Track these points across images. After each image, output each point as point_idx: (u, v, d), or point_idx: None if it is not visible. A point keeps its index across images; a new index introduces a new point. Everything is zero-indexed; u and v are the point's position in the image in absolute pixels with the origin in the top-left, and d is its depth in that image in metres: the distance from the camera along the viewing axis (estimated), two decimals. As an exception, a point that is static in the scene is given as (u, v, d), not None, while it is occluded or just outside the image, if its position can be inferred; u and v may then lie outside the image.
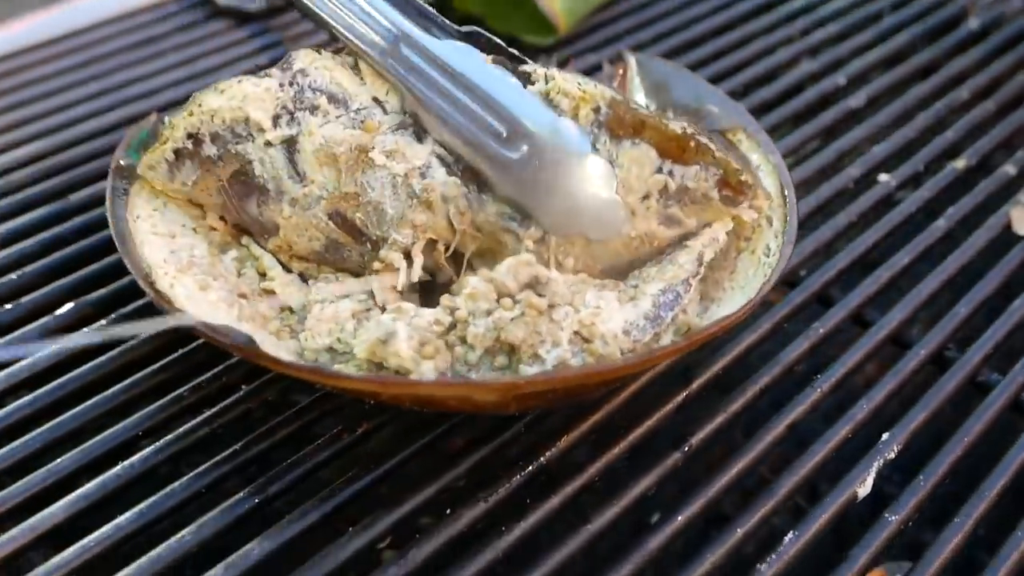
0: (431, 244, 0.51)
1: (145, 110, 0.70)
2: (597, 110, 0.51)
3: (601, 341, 0.46)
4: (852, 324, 0.58)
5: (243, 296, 0.50)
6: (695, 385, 0.53)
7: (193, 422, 0.50)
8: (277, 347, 0.48)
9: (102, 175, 0.61)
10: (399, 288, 0.50)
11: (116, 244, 0.49)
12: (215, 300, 0.49)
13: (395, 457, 0.49)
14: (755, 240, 0.53)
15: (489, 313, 0.46)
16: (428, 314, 0.47)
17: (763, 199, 0.53)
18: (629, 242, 0.51)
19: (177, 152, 0.51)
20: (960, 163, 0.69)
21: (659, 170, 0.51)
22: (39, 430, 0.50)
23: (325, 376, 0.46)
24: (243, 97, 0.51)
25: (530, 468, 0.48)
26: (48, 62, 0.77)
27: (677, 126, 0.51)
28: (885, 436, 0.51)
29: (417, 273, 0.50)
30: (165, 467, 0.49)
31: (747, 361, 0.55)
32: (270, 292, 0.51)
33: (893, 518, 0.47)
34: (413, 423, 0.50)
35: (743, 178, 0.51)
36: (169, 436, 0.49)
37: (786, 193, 0.54)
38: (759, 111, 0.73)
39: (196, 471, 0.48)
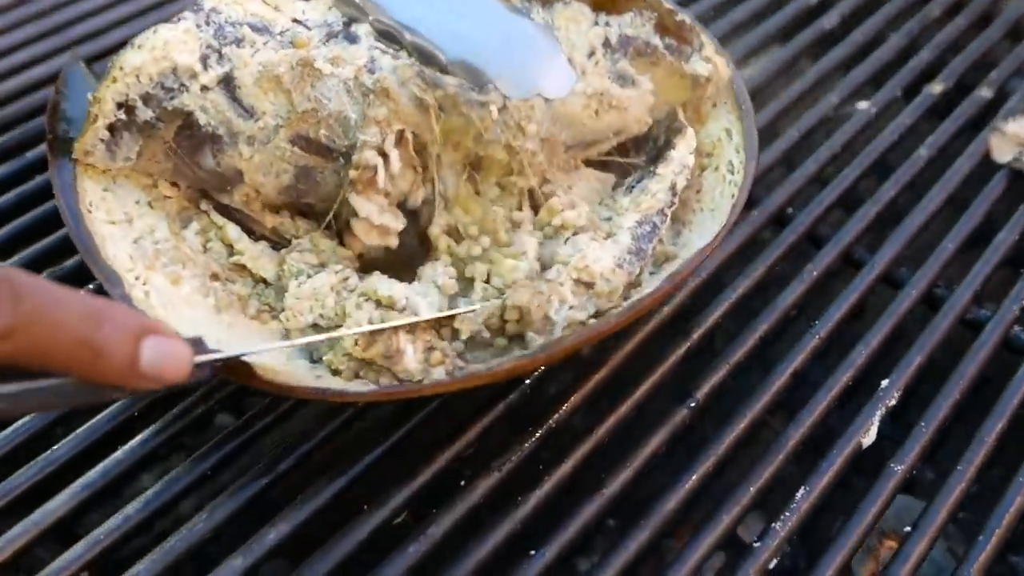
0: (400, 138, 0.48)
1: (93, 52, 0.66)
2: None
3: (602, 280, 0.46)
4: (844, 264, 0.58)
5: (215, 277, 0.48)
6: (695, 336, 0.53)
7: (187, 402, 0.49)
8: (261, 337, 0.47)
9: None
10: (383, 187, 0.48)
11: (77, 247, 0.46)
12: (189, 293, 0.47)
13: (401, 428, 0.48)
14: (717, 156, 0.53)
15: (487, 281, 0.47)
16: (423, 311, 0.46)
17: (712, 51, 0.52)
18: (588, 103, 0.50)
19: (111, 128, 0.47)
20: (937, 87, 0.69)
21: (595, 24, 0.51)
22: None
23: (352, 397, 0.44)
24: (164, 45, 0.47)
25: (539, 433, 0.48)
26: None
27: None
28: (884, 383, 0.51)
29: (396, 166, 0.48)
30: (164, 449, 0.48)
31: (744, 308, 0.55)
32: (240, 267, 0.49)
33: (898, 468, 0.48)
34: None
35: (678, 18, 0.52)
36: (167, 417, 0.48)
37: (741, 104, 0.54)
38: (733, 33, 0.72)
39: (196, 453, 0.47)
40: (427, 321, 0.45)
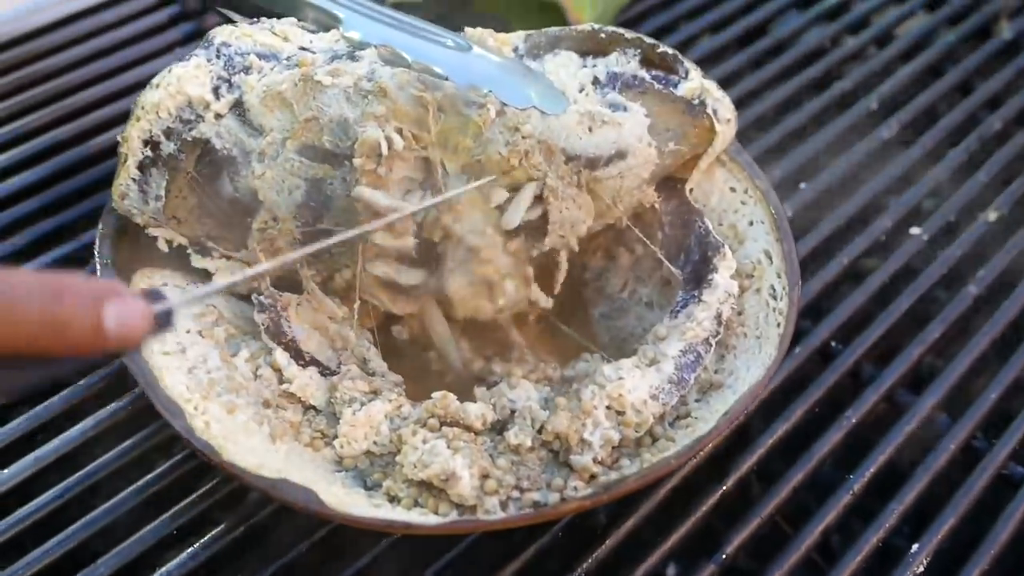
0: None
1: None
2: (516, 48, 0.56)
3: (633, 411, 0.48)
4: (885, 406, 0.58)
5: (267, 404, 0.50)
6: (730, 483, 0.53)
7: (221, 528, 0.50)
8: (315, 465, 0.48)
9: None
10: (391, 171, 0.50)
11: (137, 380, 0.48)
12: (245, 421, 0.48)
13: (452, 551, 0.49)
14: (758, 277, 0.54)
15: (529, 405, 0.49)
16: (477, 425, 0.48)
17: (699, 76, 0.55)
18: (581, 120, 0.52)
19: (141, 166, 0.52)
20: (991, 214, 0.68)
21: (583, 67, 0.55)
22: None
23: (416, 529, 0.45)
24: (177, 81, 0.52)
25: (570, 580, 0.49)
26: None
27: (586, 26, 0.55)
28: (914, 547, 0.51)
29: (399, 143, 0.50)
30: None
31: (781, 454, 0.55)
32: (290, 395, 0.51)
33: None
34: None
35: (660, 51, 0.55)
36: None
37: (779, 225, 0.55)
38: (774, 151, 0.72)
39: None
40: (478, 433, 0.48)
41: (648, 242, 0.55)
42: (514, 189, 0.51)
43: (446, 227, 0.51)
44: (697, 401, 0.51)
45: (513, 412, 0.49)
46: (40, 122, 0.70)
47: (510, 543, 0.50)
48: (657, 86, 0.54)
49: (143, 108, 0.52)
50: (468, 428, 0.48)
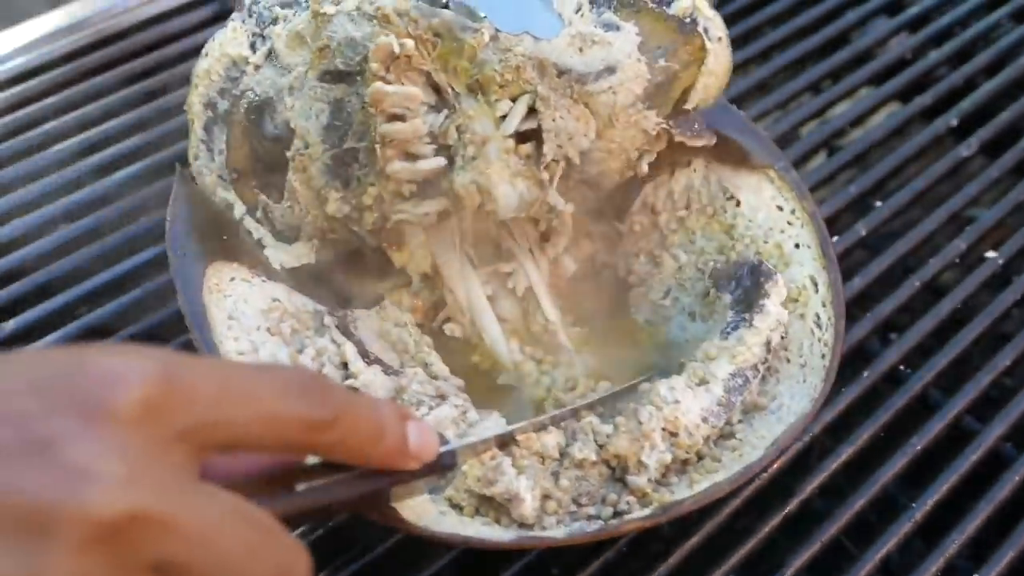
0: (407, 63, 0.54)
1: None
2: None
3: (686, 433, 0.50)
4: (952, 434, 0.59)
5: None
6: (794, 503, 0.55)
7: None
8: None
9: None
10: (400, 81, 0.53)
11: None
12: None
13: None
14: (803, 303, 0.56)
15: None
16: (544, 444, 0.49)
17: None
18: (572, 42, 0.55)
19: (205, 127, 0.58)
20: (1071, 240, 0.68)
21: None
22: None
23: (486, 544, 0.47)
24: (220, 46, 0.58)
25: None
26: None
27: None
28: (975, 577, 0.52)
29: (411, 45, 0.53)
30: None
31: (845, 476, 0.56)
32: (354, 390, 0.52)
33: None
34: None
35: None
36: None
37: (826, 252, 0.56)
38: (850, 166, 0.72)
39: None
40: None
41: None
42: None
43: (460, 127, 0.54)
44: (740, 422, 0.52)
45: (578, 431, 0.51)
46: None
47: (577, 555, 0.52)
48: (651, 4, 0.56)
49: (198, 76, 0.58)
50: (540, 455, 0.49)
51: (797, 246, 0.57)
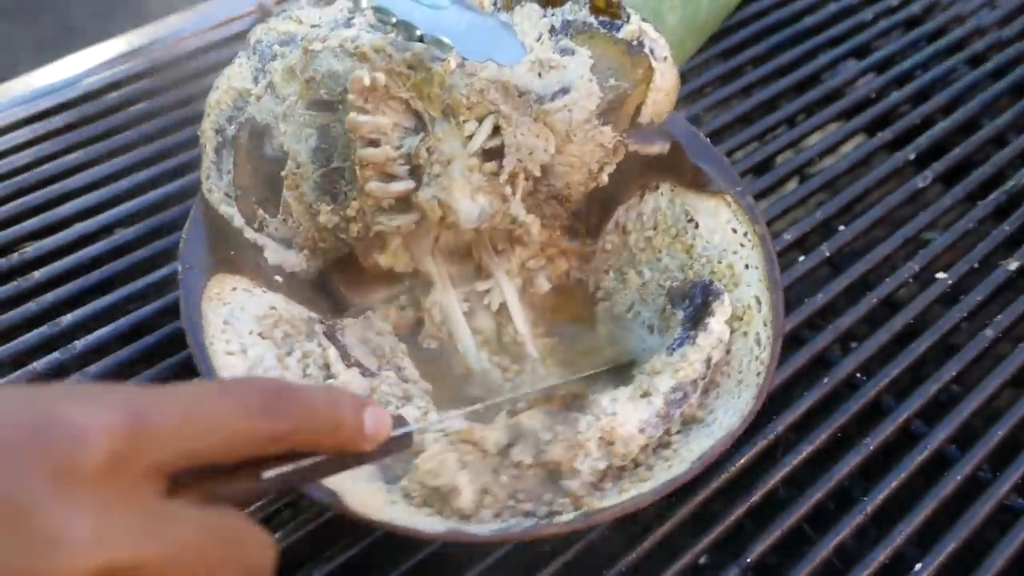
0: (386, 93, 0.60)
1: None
2: (494, 1, 0.65)
3: (621, 443, 0.54)
4: (901, 436, 0.64)
5: None
6: (758, 495, 0.60)
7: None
8: None
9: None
10: (378, 110, 0.60)
11: (200, 373, 0.56)
12: None
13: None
14: (747, 322, 0.60)
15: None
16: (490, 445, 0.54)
17: (638, 20, 0.63)
18: (531, 67, 0.60)
19: (216, 150, 0.64)
20: (1013, 264, 0.74)
21: (543, 16, 0.64)
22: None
23: (417, 534, 0.51)
24: (228, 80, 0.65)
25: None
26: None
27: None
28: (918, 566, 0.58)
29: (382, 80, 0.59)
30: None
31: (806, 470, 0.62)
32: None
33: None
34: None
35: None
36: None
37: (771, 275, 0.61)
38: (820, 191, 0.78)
39: None
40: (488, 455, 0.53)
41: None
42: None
43: (430, 148, 0.60)
44: (679, 432, 0.57)
45: (521, 434, 0.54)
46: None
47: (553, 543, 0.57)
48: (602, 30, 0.62)
49: (209, 106, 0.65)
50: (484, 451, 0.53)
51: (747, 267, 0.62)
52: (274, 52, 0.64)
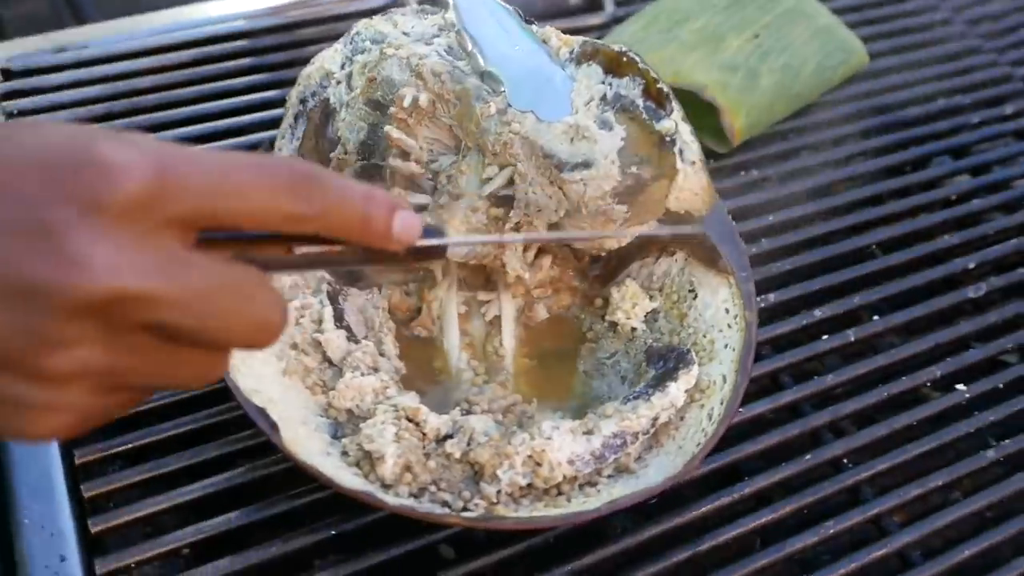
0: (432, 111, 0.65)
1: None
2: (572, 50, 0.67)
3: (547, 467, 0.57)
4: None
5: (294, 347, 0.61)
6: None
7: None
8: (306, 405, 0.59)
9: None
10: (418, 125, 0.65)
11: None
12: (266, 355, 0.59)
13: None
14: (708, 396, 0.62)
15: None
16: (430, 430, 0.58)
17: (679, 117, 0.65)
18: (567, 130, 0.62)
19: (295, 116, 0.70)
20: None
21: (602, 82, 0.65)
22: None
23: (334, 486, 0.54)
24: (321, 60, 0.70)
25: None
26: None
27: (617, 47, 0.65)
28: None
29: (424, 101, 0.64)
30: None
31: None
32: (316, 343, 0.62)
33: None
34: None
35: (659, 87, 0.65)
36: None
37: (744, 358, 0.62)
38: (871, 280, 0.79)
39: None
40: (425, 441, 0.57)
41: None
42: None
43: (451, 176, 0.64)
44: (610, 477, 0.59)
45: (460, 430, 0.58)
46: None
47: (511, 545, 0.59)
48: (644, 115, 0.63)
49: (300, 77, 0.71)
50: (423, 434, 0.57)
51: (726, 346, 0.64)
52: (364, 47, 0.69)
